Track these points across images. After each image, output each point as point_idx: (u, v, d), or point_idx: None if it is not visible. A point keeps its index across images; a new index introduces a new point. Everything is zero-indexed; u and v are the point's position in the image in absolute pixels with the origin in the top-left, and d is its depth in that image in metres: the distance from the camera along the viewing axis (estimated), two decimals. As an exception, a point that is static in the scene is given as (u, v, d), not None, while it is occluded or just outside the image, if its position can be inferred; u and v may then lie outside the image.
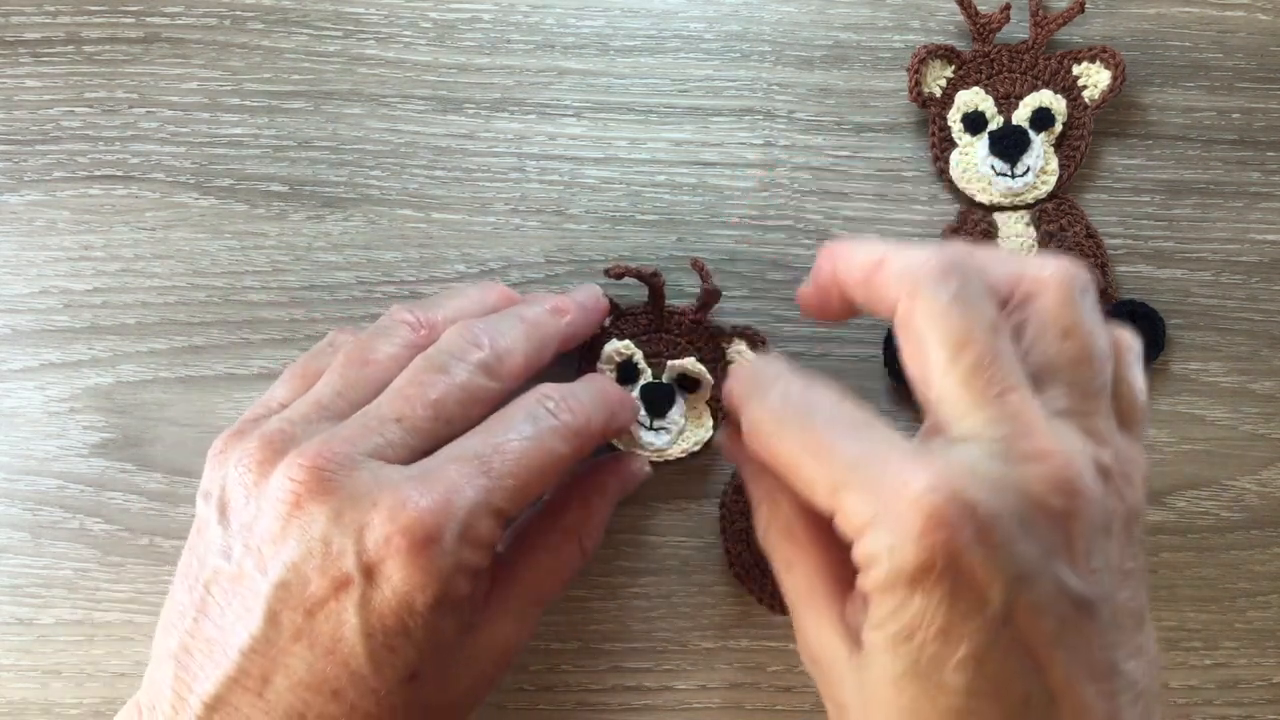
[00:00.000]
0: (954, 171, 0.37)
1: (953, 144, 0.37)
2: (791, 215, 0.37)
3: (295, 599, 0.25)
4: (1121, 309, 0.37)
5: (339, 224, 0.37)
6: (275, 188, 0.37)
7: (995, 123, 0.37)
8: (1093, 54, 0.37)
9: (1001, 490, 0.22)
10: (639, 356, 0.35)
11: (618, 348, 0.35)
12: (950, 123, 0.37)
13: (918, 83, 0.37)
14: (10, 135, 0.37)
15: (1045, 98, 0.37)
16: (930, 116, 0.37)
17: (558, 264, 0.37)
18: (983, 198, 0.37)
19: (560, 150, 0.37)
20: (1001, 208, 0.37)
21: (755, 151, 0.37)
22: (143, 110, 0.37)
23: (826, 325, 0.37)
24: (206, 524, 0.28)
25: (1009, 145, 0.37)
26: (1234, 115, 0.38)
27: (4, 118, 0.37)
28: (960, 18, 0.38)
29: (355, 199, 0.37)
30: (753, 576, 0.35)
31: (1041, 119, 0.37)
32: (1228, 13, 0.38)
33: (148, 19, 0.37)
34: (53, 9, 0.37)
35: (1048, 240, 0.37)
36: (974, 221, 0.37)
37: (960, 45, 0.38)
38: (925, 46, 0.37)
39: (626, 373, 0.36)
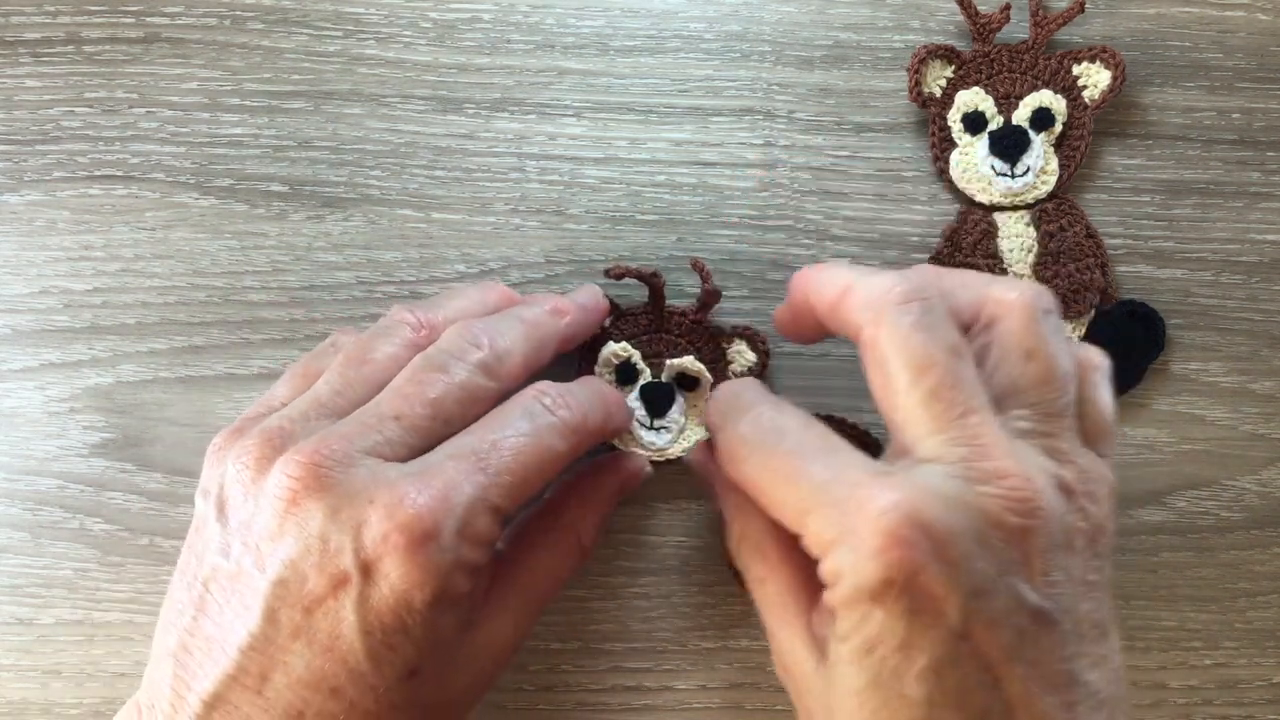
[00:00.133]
0: (954, 171, 0.37)
1: (953, 144, 0.37)
2: (791, 215, 0.37)
3: (294, 596, 0.25)
4: (1121, 309, 0.37)
5: (339, 224, 0.37)
6: (275, 188, 0.37)
7: (995, 123, 0.37)
8: (1093, 54, 0.37)
9: (958, 509, 0.23)
10: (637, 358, 0.35)
11: (615, 350, 0.35)
12: (950, 123, 0.37)
13: (918, 83, 0.37)
14: (10, 135, 0.37)
15: (1045, 98, 0.37)
16: (930, 116, 0.37)
17: (558, 264, 0.37)
18: (983, 198, 0.37)
19: (560, 150, 0.37)
20: (1001, 208, 0.37)
21: (755, 151, 0.38)
22: (143, 110, 0.37)
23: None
24: (205, 521, 0.28)
25: (1009, 145, 0.37)
26: (1234, 115, 0.38)
27: (4, 118, 0.37)
28: (960, 18, 0.38)
29: (355, 199, 0.37)
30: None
31: (1041, 119, 0.37)
32: (1228, 13, 0.38)
33: (148, 19, 0.37)
34: (53, 9, 0.37)
35: (1048, 240, 0.37)
36: (974, 221, 0.37)
37: (960, 45, 0.38)
38: (925, 46, 0.37)
39: (625, 374, 0.36)
